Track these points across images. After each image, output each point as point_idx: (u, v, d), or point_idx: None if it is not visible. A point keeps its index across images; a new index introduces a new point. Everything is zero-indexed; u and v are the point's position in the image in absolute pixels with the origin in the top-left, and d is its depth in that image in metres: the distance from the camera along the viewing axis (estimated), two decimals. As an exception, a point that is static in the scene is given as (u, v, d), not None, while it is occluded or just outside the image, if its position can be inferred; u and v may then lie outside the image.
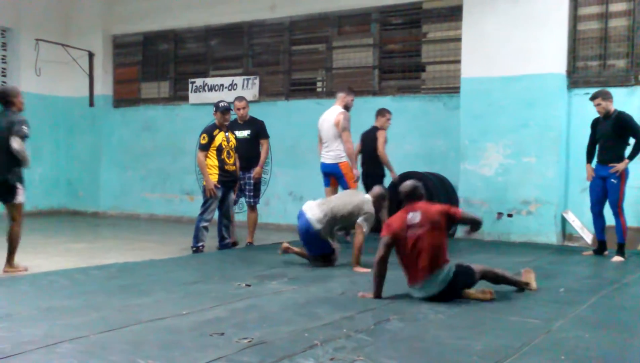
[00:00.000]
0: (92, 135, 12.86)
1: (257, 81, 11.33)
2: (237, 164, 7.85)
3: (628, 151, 7.27)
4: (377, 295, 4.90)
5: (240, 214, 9.97)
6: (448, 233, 5.00)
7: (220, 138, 7.58)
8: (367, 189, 7.87)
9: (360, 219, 6.35)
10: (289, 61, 11.19)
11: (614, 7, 8.62)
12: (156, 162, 12.34)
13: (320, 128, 8.04)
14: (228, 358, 3.36)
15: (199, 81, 11.93)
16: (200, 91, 11.86)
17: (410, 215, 4.88)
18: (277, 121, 11.09)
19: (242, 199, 8.70)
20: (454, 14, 9.58)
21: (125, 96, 13.03)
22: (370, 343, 3.70)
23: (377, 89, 10.39)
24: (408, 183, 5.08)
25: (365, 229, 6.35)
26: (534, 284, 5.31)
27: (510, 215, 8.83)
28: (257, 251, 7.71)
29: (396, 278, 5.11)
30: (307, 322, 4.14)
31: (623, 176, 7.23)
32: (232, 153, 7.70)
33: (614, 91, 8.16)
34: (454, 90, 9.51)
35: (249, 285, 5.43)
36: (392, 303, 4.75)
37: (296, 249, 6.74)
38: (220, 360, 3.32)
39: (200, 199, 7.94)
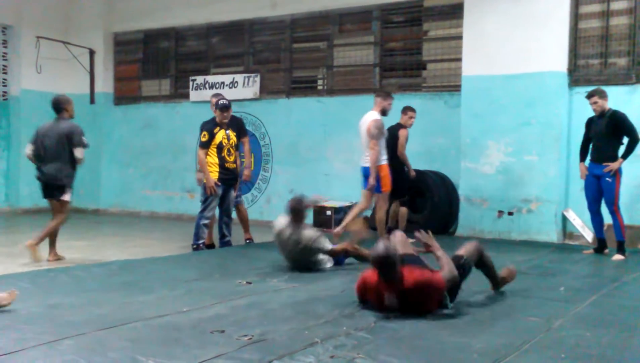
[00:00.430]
0: (92, 133, 12.78)
1: (258, 79, 11.33)
2: (238, 162, 7.85)
3: (621, 150, 7.28)
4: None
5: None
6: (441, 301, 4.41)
7: (220, 135, 7.58)
8: (393, 182, 7.88)
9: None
10: (290, 58, 11.19)
11: (615, 5, 8.61)
12: (157, 159, 12.35)
13: (360, 131, 7.97)
14: (228, 355, 3.36)
15: (199, 79, 11.93)
16: (201, 89, 11.86)
17: (387, 298, 4.27)
18: (278, 119, 11.12)
19: (243, 197, 8.70)
20: (455, 12, 9.58)
21: (126, 94, 13.03)
22: (371, 341, 3.70)
23: (378, 87, 10.38)
24: (380, 250, 4.23)
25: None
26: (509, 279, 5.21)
27: (510, 213, 8.83)
28: (258, 249, 7.71)
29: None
30: (307, 320, 4.14)
31: (617, 174, 7.25)
32: (232, 151, 7.70)
33: (615, 90, 8.20)
34: (455, 88, 9.51)
35: (250, 283, 5.44)
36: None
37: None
38: (221, 358, 3.32)
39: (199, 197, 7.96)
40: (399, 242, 4.80)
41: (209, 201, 7.57)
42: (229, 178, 7.69)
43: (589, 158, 7.51)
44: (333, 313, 4.33)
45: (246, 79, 11.43)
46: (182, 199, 12.05)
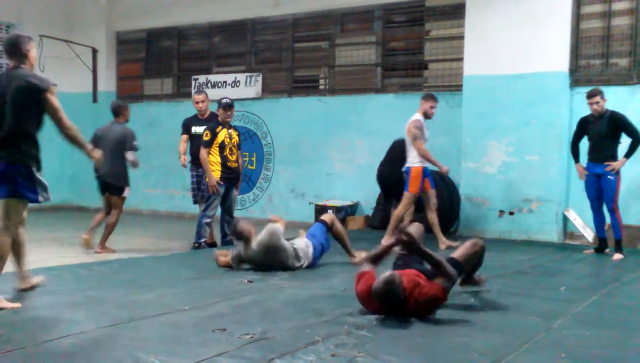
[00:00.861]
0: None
1: (260, 78, 11.35)
2: (240, 161, 7.87)
3: (620, 149, 7.35)
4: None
5: (241, 210, 10.01)
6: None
7: (223, 134, 7.59)
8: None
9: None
10: (292, 58, 11.20)
11: (617, 6, 8.61)
12: (159, 158, 12.36)
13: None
14: (230, 353, 3.38)
15: (202, 78, 11.95)
16: (203, 88, 11.87)
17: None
18: (280, 118, 11.14)
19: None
20: (457, 11, 9.58)
21: (129, 93, 13.04)
22: (371, 339, 3.72)
23: (380, 86, 10.40)
24: (382, 282, 4.13)
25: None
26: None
27: (511, 213, 8.84)
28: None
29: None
30: (308, 318, 4.16)
31: (618, 173, 7.31)
32: (234, 150, 7.72)
33: (616, 90, 8.23)
34: (457, 88, 9.51)
35: (251, 281, 5.45)
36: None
37: None
38: (222, 356, 3.34)
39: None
40: (414, 232, 4.70)
41: (211, 200, 7.59)
42: (231, 176, 7.70)
43: (587, 158, 7.53)
44: (334, 312, 4.34)
45: (248, 78, 11.44)
46: (183, 197, 12.04)
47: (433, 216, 7.77)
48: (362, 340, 3.70)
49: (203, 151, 7.56)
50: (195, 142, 7.89)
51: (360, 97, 10.45)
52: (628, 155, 7.25)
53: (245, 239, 5.99)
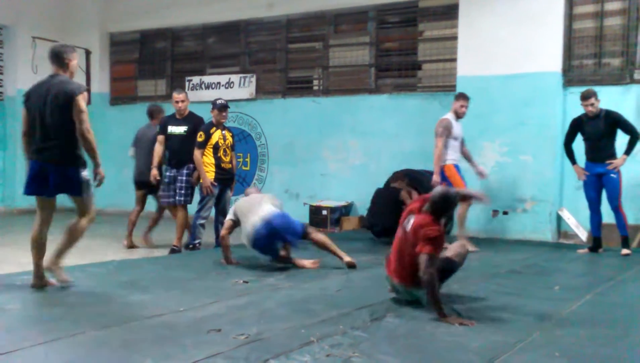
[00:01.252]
0: (88, 133, 12.86)
1: (253, 79, 11.35)
2: (234, 162, 7.86)
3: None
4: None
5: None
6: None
7: (217, 135, 7.59)
8: None
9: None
10: (286, 59, 11.20)
11: (610, 6, 8.65)
12: (153, 160, 12.33)
13: None
14: (225, 354, 3.38)
15: (195, 79, 11.94)
16: (197, 89, 11.86)
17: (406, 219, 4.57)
18: (274, 119, 11.14)
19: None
20: (450, 12, 9.61)
21: (122, 94, 13.03)
22: (366, 339, 3.72)
23: (374, 87, 10.41)
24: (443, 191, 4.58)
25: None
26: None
27: (505, 213, 8.87)
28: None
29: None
30: (303, 319, 4.16)
31: (619, 171, 7.36)
32: (228, 151, 7.71)
33: (609, 90, 8.28)
34: (450, 88, 9.53)
35: (246, 282, 5.45)
36: (388, 300, 4.78)
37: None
38: (217, 357, 3.34)
39: (196, 197, 7.95)
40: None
41: (205, 201, 7.58)
42: (225, 177, 7.70)
43: (585, 158, 7.56)
44: (329, 312, 4.35)
45: (242, 79, 11.44)
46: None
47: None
48: (357, 340, 3.70)
49: (197, 152, 7.55)
50: (172, 142, 7.76)
51: (354, 97, 10.47)
52: (628, 152, 7.32)
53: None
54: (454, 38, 9.41)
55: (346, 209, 10.15)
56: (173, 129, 7.86)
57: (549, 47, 8.68)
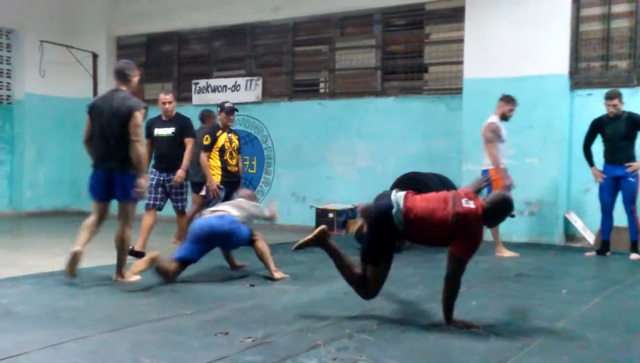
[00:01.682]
0: (95, 136, 12.90)
1: (260, 82, 11.36)
2: (240, 165, 7.87)
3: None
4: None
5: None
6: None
7: (223, 138, 7.60)
8: None
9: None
10: (292, 62, 11.21)
11: (617, 9, 8.63)
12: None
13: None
14: (231, 358, 3.38)
15: (202, 82, 11.96)
16: (203, 92, 11.89)
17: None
18: (280, 122, 11.15)
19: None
20: (457, 15, 9.60)
21: (129, 97, 13.03)
22: (373, 343, 3.71)
23: (380, 90, 10.41)
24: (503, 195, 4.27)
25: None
26: None
27: (512, 216, 8.79)
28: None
29: (399, 277, 5.12)
30: (310, 322, 4.16)
31: (638, 174, 7.33)
32: (234, 154, 7.72)
33: (617, 92, 8.22)
34: (457, 91, 9.52)
35: (253, 285, 5.46)
36: (395, 304, 4.77)
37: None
38: (224, 360, 3.34)
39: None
40: None
41: (212, 204, 7.58)
42: (232, 180, 7.71)
43: (603, 160, 7.52)
44: (336, 316, 4.34)
45: (248, 83, 11.45)
46: (184, 202, 12.06)
47: None
48: (363, 343, 3.69)
49: (203, 155, 7.57)
50: (159, 144, 7.56)
51: (361, 100, 10.46)
52: None
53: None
54: (460, 41, 9.40)
55: (353, 212, 10.14)
56: (159, 131, 7.61)
57: (556, 49, 8.66)
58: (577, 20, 8.76)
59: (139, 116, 5.49)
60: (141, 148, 5.48)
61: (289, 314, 4.41)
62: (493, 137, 7.48)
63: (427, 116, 9.82)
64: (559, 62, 8.66)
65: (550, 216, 8.63)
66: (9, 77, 12.43)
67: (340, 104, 10.66)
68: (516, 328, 4.14)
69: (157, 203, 7.48)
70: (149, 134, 7.64)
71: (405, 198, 4.16)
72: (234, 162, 7.70)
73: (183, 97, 12.36)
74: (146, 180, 5.66)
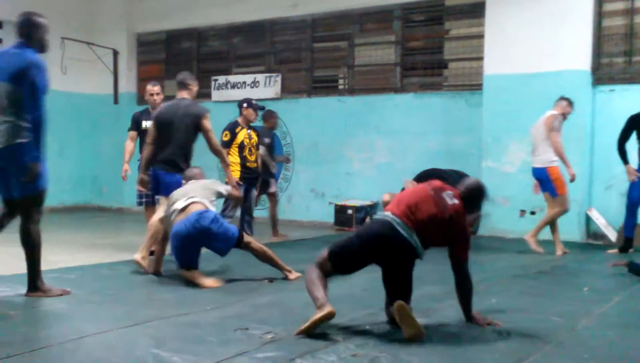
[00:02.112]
0: (116, 132, 12.94)
1: (279, 79, 11.37)
2: (259, 161, 7.88)
3: None
4: None
5: (262, 210, 10.03)
6: None
7: (242, 135, 7.63)
8: None
9: None
10: (311, 58, 11.21)
11: (640, 3, 8.52)
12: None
13: (532, 134, 7.59)
14: (251, 353, 3.39)
15: (221, 79, 12.00)
16: (222, 89, 11.93)
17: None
18: (299, 118, 11.16)
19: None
20: (477, 10, 9.53)
21: (149, 94, 13.12)
22: (393, 339, 3.71)
23: (399, 86, 10.37)
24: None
25: None
26: None
27: (533, 213, 8.76)
28: (280, 248, 7.72)
29: (418, 274, 5.09)
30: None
31: None
32: (253, 150, 7.74)
33: (639, 88, 8.11)
34: (477, 87, 9.46)
35: (272, 281, 5.47)
36: (414, 301, 4.74)
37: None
38: (243, 355, 3.35)
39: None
40: None
41: (231, 201, 7.60)
42: (251, 177, 7.73)
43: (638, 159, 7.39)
44: (355, 312, 4.34)
45: (267, 79, 11.47)
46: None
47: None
48: (382, 340, 3.69)
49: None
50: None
51: (380, 97, 10.43)
52: None
53: None
54: (481, 36, 9.34)
55: (371, 209, 10.13)
56: (148, 124, 7.12)
57: (577, 45, 8.57)
58: (599, 15, 8.66)
59: (207, 122, 6.01)
60: (222, 149, 6.32)
61: (308, 310, 4.39)
62: (559, 127, 7.29)
63: (446, 112, 9.77)
64: (581, 57, 8.57)
65: (571, 213, 8.52)
66: (31, 74, 12.54)
67: (359, 100, 10.64)
68: (536, 326, 4.11)
69: (150, 199, 7.25)
70: (137, 127, 7.41)
71: (400, 216, 3.96)
72: (253, 158, 7.72)
73: (202, 93, 12.40)
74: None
